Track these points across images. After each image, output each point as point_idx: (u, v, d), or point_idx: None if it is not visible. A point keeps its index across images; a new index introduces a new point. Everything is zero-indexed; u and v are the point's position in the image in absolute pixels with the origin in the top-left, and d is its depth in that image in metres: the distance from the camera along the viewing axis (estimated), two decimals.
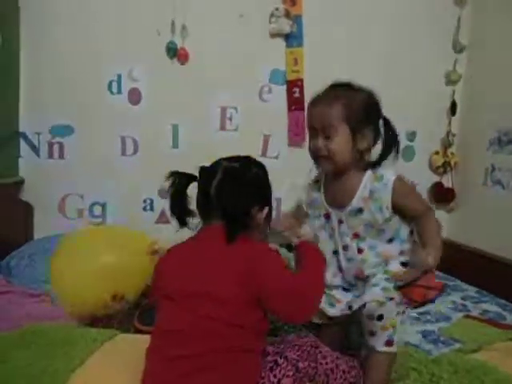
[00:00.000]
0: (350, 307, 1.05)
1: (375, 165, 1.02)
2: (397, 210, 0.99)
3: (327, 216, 1.06)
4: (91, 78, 2.00)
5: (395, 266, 1.01)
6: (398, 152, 1.04)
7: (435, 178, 2.30)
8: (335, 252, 1.08)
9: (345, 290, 1.09)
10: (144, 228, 2.06)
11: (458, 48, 2.22)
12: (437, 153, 2.26)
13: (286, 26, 2.05)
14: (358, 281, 1.06)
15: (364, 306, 0.97)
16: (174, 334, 0.83)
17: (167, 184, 0.98)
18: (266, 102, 2.15)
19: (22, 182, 1.98)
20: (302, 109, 2.12)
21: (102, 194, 2.06)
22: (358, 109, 0.98)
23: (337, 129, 0.96)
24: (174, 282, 0.89)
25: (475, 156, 2.15)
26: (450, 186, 2.27)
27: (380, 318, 0.95)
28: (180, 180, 0.97)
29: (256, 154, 2.14)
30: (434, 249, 0.96)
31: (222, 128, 2.13)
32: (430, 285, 0.85)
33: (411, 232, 1.06)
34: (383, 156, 1.02)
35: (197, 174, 1.00)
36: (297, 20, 2.07)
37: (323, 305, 1.07)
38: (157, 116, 2.06)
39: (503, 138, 1.96)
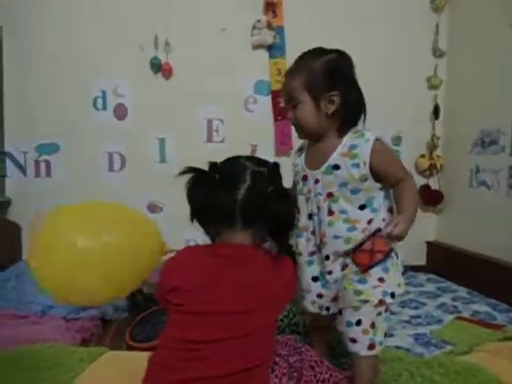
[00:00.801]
0: (327, 308, 1.05)
1: (349, 126, 1.02)
2: (374, 172, 0.97)
3: (305, 178, 1.05)
4: (76, 95, 2.01)
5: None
6: (365, 115, 1.05)
7: (422, 181, 2.32)
8: (310, 216, 1.05)
9: (314, 279, 1.06)
10: None
11: (438, 53, 2.26)
12: (423, 156, 2.29)
13: (268, 37, 2.07)
14: (332, 255, 1.02)
15: (340, 312, 0.98)
16: (202, 349, 0.76)
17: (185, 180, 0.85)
18: (252, 113, 2.17)
19: (8, 202, 1.97)
20: (288, 118, 2.14)
21: None
22: (318, 75, 0.99)
23: (299, 98, 0.99)
24: (203, 300, 0.80)
25: (460, 158, 2.18)
26: (437, 188, 2.29)
27: (358, 323, 0.94)
28: (200, 178, 0.86)
29: None
30: (405, 219, 0.93)
31: (209, 140, 2.14)
32: (375, 248, 0.83)
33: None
34: (350, 122, 1.03)
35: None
36: (279, 31, 2.10)
37: (305, 303, 1.08)
38: (143, 131, 2.07)
39: (486, 139, 1.99)
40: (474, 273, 1.95)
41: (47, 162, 2.02)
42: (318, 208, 1.02)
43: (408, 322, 1.51)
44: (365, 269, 0.89)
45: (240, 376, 0.76)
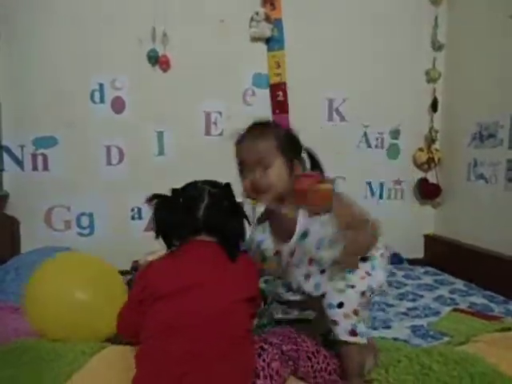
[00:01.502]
0: (304, 292, 1.07)
1: None
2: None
3: (277, 253, 1.06)
4: (73, 89, 2.00)
5: None
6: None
7: (421, 174, 2.33)
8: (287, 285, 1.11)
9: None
10: (133, 237, 2.07)
11: (437, 46, 2.26)
12: (421, 149, 2.29)
13: (266, 29, 2.06)
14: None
15: (323, 296, 0.99)
16: (186, 328, 0.83)
17: (149, 207, 0.99)
18: (250, 106, 2.16)
19: (6, 196, 1.96)
20: (286, 112, 2.14)
21: (88, 204, 2.05)
22: (287, 140, 1.03)
23: (272, 159, 0.99)
24: (175, 282, 0.90)
25: (458, 151, 2.18)
26: (435, 181, 2.30)
27: (340, 305, 0.95)
28: (164, 203, 0.99)
29: None
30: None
31: (207, 133, 2.14)
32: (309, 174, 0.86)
33: None
34: None
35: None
36: (277, 24, 2.09)
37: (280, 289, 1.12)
38: (141, 124, 2.06)
39: (484, 132, 2.00)
40: (471, 265, 1.97)
41: (44, 156, 2.01)
42: (306, 276, 1.05)
43: (405, 314, 1.53)
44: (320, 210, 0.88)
45: (222, 351, 0.82)
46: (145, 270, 0.99)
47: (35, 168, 2.00)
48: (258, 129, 1.05)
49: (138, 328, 0.90)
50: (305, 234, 1.00)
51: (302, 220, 1.00)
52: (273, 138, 1.01)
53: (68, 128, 2.00)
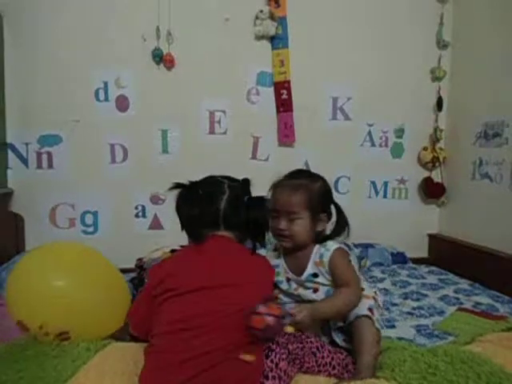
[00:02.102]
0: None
1: (327, 239, 1.16)
2: (332, 274, 1.12)
3: (288, 279, 1.18)
4: (78, 87, 2.00)
5: None
6: (348, 231, 1.18)
7: (425, 174, 2.32)
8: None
9: None
10: (137, 234, 2.07)
11: (442, 44, 2.24)
12: (425, 148, 2.28)
13: (271, 27, 2.06)
14: None
15: None
16: (201, 328, 0.84)
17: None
18: (254, 104, 2.16)
19: (11, 193, 1.97)
20: (291, 110, 2.14)
21: (92, 202, 2.05)
22: (317, 197, 1.13)
23: (300, 214, 1.11)
24: (194, 281, 0.92)
25: (463, 150, 2.17)
26: (439, 180, 2.29)
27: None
28: (188, 193, 1.04)
29: (246, 157, 2.17)
30: (311, 311, 1.00)
31: (211, 132, 2.13)
32: (269, 312, 0.85)
33: None
34: (335, 234, 1.17)
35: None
36: (281, 22, 2.09)
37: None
38: (145, 122, 2.06)
39: (489, 131, 1.99)
40: (475, 265, 1.96)
41: (49, 154, 2.01)
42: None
43: (410, 313, 1.52)
44: (258, 333, 0.85)
45: (233, 351, 0.84)
46: (160, 264, 1.01)
47: (40, 166, 2.01)
48: (293, 181, 1.15)
49: (151, 324, 0.91)
50: (315, 275, 1.13)
51: (312, 263, 1.13)
52: (305, 193, 1.12)
53: (72, 126, 2.01)
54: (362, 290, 1.11)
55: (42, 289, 1.00)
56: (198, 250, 0.99)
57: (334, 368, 0.99)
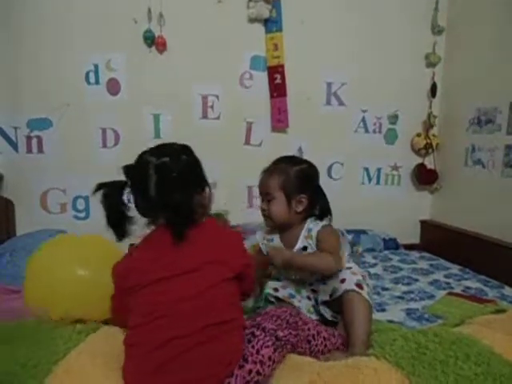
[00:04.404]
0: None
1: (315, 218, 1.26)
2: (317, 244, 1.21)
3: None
4: (67, 69, 1.96)
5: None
6: (330, 217, 1.28)
7: (418, 160, 2.33)
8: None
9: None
10: None
11: (437, 30, 2.23)
12: (419, 135, 2.28)
13: (264, 10, 2.02)
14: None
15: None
16: (169, 316, 0.84)
17: (98, 197, 0.94)
18: (248, 89, 2.13)
19: (1, 177, 1.94)
20: (285, 95, 2.12)
21: (84, 187, 2.02)
22: (293, 179, 1.21)
23: (274, 195, 1.20)
24: (156, 271, 0.89)
25: (456, 137, 2.18)
26: (432, 167, 2.30)
27: (349, 268, 1.15)
28: (112, 191, 0.94)
29: (239, 142, 2.16)
30: (285, 255, 1.13)
31: (204, 116, 2.11)
32: None
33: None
34: (319, 218, 1.26)
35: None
36: (276, 4, 2.05)
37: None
38: (137, 106, 2.03)
39: (482, 117, 1.99)
40: (466, 251, 1.98)
41: (39, 138, 1.98)
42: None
43: (400, 297, 1.54)
44: None
45: (207, 333, 0.83)
46: (123, 261, 0.97)
47: (30, 150, 1.97)
48: (274, 166, 1.25)
49: (127, 315, 0.90)
50: (305, 248, 1.22)
51: (302, 237, 1.23)
52: (280, 175, 1.20)
53: (63, 110, 1.97)
54: (350, 268, 1.15)
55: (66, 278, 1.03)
56: (149, 242, 0.96)
57: (323, 354, 1.00)
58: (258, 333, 0.88)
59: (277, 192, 1.20)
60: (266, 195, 1.22)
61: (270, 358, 0.86)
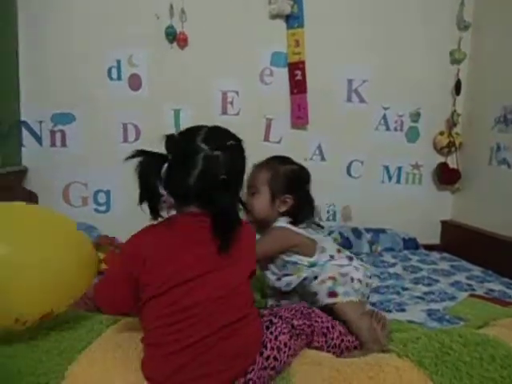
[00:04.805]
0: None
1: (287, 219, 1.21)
2: None
3: None
4: (91, 65, 1.99)
5: None
6: (319, 226, 1.31)
7: (440, 159, 2.28)
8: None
9: None
10: (148, 214, 2.08)
11: (463, 25, 2.17)
12: (441, 133, 2.24)
13: (286, 6, 2.01)
14: None
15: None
16: (193, 319, 0.80)
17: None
18: (268, 85, 2.13)
19: (25, 170, 1.99)
20: (305, 91, 2.10)
21: (105, 181, 2.07)
22: (282, 177, 1.19)
23: (259, 189, 1.18)
24: (188, 268, 0.83)
25: (480, 135, 2.12)
26: (455, 166, 2.25)
27: (316, 277, 1.13)
28: (151, 162, 0.85)
29: (259, 139, 2.15)
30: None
31: (224, 112, 2.12)
32: None
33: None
34: (295, 222, 1.21)
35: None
36: (297, 0, 2.03)
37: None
38: (158, 101, 2.05)
39: (509, 115, 1.93)
40: (489, 253, 1.93)
41: (62, 132, 2.02)
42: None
43: (421, 298, 1.51)
44: None
45: (230, 329, 0.82)
46: (138, 243, 0.87)
47: (53, 144, 2.02)
48: (266, 162, 1.23)
49: (130, 302, 0.86)
50: None
51: None
52: (268, 171, 1.18)
53: (85, 104, 2.01)
54: (316, 278, 1.13)
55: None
56: (172, 230, 0.86)
57: (342, 352, 1.00)
58: (275, 320, 0.91)
59: (263, 186, 1.18)
60: (251, 188, 1.19)
61: (285, 345, 0.88)
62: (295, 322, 0.92)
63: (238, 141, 0.93)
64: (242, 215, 0.98)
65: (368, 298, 1.22)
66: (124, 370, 0.84)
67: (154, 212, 0.86)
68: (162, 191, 0.86)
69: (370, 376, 0.78)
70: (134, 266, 0.84)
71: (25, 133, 1.99)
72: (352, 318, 1.03)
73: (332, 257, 1.19)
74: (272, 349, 0.86)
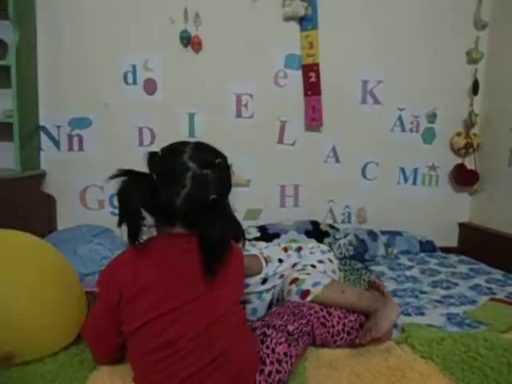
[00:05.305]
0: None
1: None
2: None
3: None
4: (107, 70, 2.02)
5: None
6: None
7: (457, 160, 2.24)
8: None
9: None
10: None
11: (480, 25, 2.14)
12: (459, 134, 2.20)
13: (300, 8, 2.01)
14: None
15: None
16: (187, 350, 0.75)
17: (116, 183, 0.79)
18: (282, 88, 2.12)
19: (43, 174, 2.02)
20: (319, 93, 2.09)
21: None
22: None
23: None
24: (174, 296, 0.78)
25: (499, 136, 2.08)
26: (472, 167, 2.21)
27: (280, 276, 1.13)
28: (137, 185, 0.78)
29: (273, 141, 2.15)
30: None
31: (238, 115, 2.12)
32: None
33: None
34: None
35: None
36: (311, 2, 2.03)
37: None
38: (173, 105, 2.07)
39: None
40: (508, 255, 1.89)
41: (79, 136, 2.05)
42: None
43: (439, 301, 1.48)
44: None
45: (223, 357, 0.77)
46: (113, 272, 0.81)
47: (71, 148, 2.05)
48: None
49: (114, 336, 0.81)
50: None
51: None
52: None
53: (102, 109, 2.03)
54: (282, 276, 1.13)
55: None
56: (154, 254, 0.80)
57: (348, 334, 0.97)
58: (269, 332, 0.88)
59: None
60: None
61: (286, 354, 0.85)
62: (290, 328, 0.89)
63: (225, 158, 0.87)
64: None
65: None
66: None
67: (133, 237, 0.78)
68: (144, 213, 0.80)
69: (392, 382, 0.76)
70: (112, 296, 0.78)
71: (43, 137, 2.03)
72: (338, 300, 1.00)
73: (281, 260, 1.17)
74: (272, 363, 0.83)
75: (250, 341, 0.85)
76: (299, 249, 1.20)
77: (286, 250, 1.22)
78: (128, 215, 0.77)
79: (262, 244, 1.31)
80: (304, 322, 0.92)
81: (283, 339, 0.86)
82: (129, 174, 0.79)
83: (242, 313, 0.91)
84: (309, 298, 1.00)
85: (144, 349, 0.76)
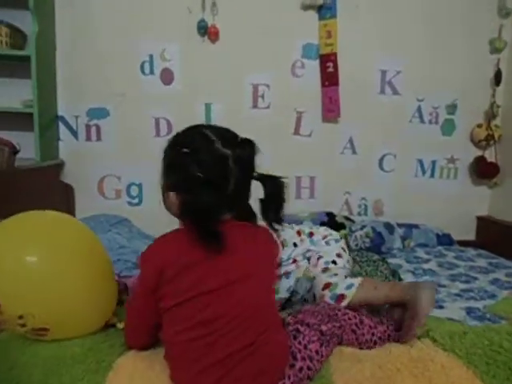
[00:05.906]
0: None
1: None
2: None
3: None
4: (124, 60, 2.02)
5: None
6: None
7: (477, 152, 2.20)
8: None
9: None
10: None
11: (504, 13, 2.08)
12: (479, 126, 2.15)
13: None
14: None
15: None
16: (227, 330, 0.77)
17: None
18: (299, 78, 2.10)
19: (62, 164, 2.05)
20: (337, 84, 2.07)
21: (137, 174, 2.10)
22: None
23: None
24: (215, 277, 0.80)
25: None
26: (493, 160, 2.16)
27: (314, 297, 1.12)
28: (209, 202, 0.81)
29: (289, 132, 2.13)
30: None
31: (255, 106, 2.11)
32: None
33: None
34: None
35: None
36: None
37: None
38: (189, 95, 2.06)
39: None
40: None
41: (97, 127, 2.07)
42: None
43: (459, 295, 1.46)
44: None
45: (258, 342, 0.79)
46: (156, 251, 0.83)
47: (89, 138, 2.07)
48: None
49: (157, 319, 0.82)
50: None
51: None
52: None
53: (119, 99, 2.04)
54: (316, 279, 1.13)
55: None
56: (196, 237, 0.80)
57: (375, 343, 0.98)
58: (302, 329, 0.88)
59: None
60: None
61: (317, 353, 0.86)
62: (323, 328, 0.89)
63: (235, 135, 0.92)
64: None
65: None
66: (166, 368, 0.83)
67: (207, 231, 0.80)
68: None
69: (415, 374, 0.76)
70: (153, 276, 0.80)
71: (62, 127, 2.05)
72: (372, 297, 1.02)
73: (295, 245, 1.19)
74: (303, 359, 0.83)
75: (282, 335, 0.86)
76: (310, 234, 1.20)
77: (299, 233, 1.23)
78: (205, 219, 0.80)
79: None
80: (337, 325, 0.93)
81: (316, 338, 0.87)
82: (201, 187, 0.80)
83: (273, 302, 0.92)
84: (344, 303, 1.03)
85: (180, 326, 0.78)
